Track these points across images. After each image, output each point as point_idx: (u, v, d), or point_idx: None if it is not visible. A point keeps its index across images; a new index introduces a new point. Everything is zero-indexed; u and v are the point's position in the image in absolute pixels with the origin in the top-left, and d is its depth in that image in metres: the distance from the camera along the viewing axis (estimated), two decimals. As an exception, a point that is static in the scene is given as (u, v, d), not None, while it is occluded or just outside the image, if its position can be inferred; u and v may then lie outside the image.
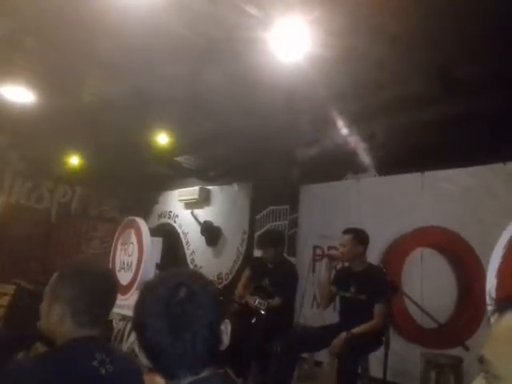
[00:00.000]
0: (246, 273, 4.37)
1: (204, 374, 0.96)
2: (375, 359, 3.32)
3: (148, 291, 1.01)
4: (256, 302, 3.84)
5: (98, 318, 1.38)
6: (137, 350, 1.01)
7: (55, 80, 3.75)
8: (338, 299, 3.57)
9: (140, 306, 1.00)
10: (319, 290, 3.98)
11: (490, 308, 2.43)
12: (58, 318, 1.32)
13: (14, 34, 3.01)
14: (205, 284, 1.03)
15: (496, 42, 2.71)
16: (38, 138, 5.24)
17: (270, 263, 4.09)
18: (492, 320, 0.75)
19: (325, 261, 3.63)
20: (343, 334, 3.08)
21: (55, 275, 1.40)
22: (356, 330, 3.11)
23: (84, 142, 5.45)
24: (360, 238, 3.38)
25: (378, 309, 3.16)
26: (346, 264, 3.56)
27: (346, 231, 3.43)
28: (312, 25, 2.64)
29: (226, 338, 1.01)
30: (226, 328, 1.02)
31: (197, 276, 1.06)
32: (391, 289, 3.00)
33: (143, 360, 1.00)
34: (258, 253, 4.57)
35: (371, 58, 2.98)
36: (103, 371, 1.26)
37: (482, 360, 0.73)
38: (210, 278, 6.26)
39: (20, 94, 4.04)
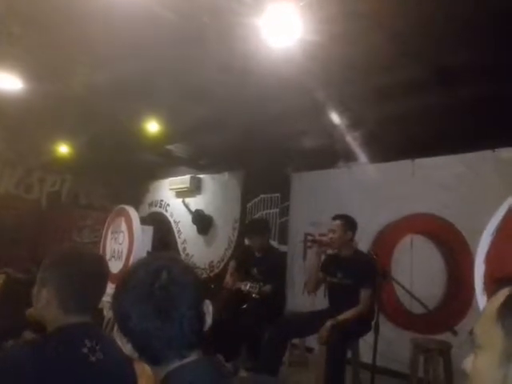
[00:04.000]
0: (232, 264, 4.42)
1: (191, 357, 0.96)
2: (365, 344, 3.36)
3: (127, 278, 0.99)
4: (247, 286, 3.87)
5: (86, 305, 1.37)
6: (119, 341, 1.00)
7: (43, 67, 3.69)
8: (326, 285, 3.59)
9: (120, 294, 0.98)
10: (307, 275, 4.01)
11: (478, 292, 2.46)
12: (45, 304, 1.32)
13: (1, 20, 2.95)
14: (184, 267, 1.03)
15: (487, 29, 2.70)
16: (27, 127, 5.18)
17: (257, 252, 4.12)
18: (481, 301, 0.82)
19: (314, 246, 3.65)
20: (329, 322, 3.11)
21: (45, 260, 1.39)
22: (341, 316, 3.14)
23: (73, 131, 5.38)
24: (349, 224, 3.40)
25: (363, 294, 3.20)
26: (335, 250, 3.58)
27: (335, 217, 3.44)
28: (303, 11, 2.61)
29: (208, 318, 1.01)
30: (208, 308, 1.02)
31: (176, 260, 1.07)
32: (381, 274, 3.03)
33: (127, 350, 0.99)
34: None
35: (363, 44, 2.96)
36: (93, 358, 1.25)
37: (470, 333, 0.79)
38: (202, 267, 6.29)
39: (8, 81, 3.97)
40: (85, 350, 1.25)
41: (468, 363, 0.79)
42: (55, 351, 1.23)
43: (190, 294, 0.97)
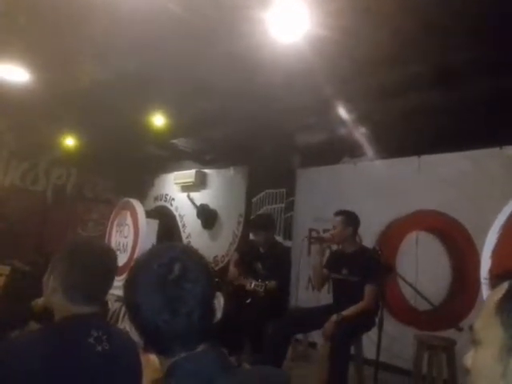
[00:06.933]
0: (235, 256, 4.44)
1: (198, 349, 0.96)
2: (368, 340, 3.36)
3: (140, 268, 0.98)
4: (252, 284, 3.86)
5: (93, 296, 1.37)
6: (128, 328, 1.00)
7: (50, 59, 3.69)
8: (331, 281, 3.59)
9: (133, 283, 0.97)
10: (312, 273, 4.02)
11: (484, 286, 2.46)
12: (51, 291, 1.34)
13: (9, 12, 2.95)
14: (198, 258, 1.02)
15: (493, 27, 2.68)
16: (34, 119, 5.19)
17: (261, 247, 4.12)
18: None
19: (316, 244, 3.65)
20: (333, 317, 3.11)
21: (59, 250, 1.42)
22: (346, 312, 3.13)
23: (80, 124, 5.40)
24: (350, 219, 3.41)
25: (368, 290, 3.19)
26: (340, 246, 3.57)
27: (336, 213, 3.47)
28: (311, 5, 2.60)
29: (218, 312, 1.01)
30: (219, 302, 1.01)
31: (190, 250, 1.04)
32: (385, 269, 3.02)
33: (135, 338, 0.99)
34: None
35: (370, 39, 2.94)
36: (99, 348, 1.26)
37: (470, 328, 0.80)
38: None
39: (16, 73, 3.98)
40: (91, 340, 1.26)
41: (468, 359, 0.79)
42: (61, 340, 1.23)
43: (202, 288, 0.96)
